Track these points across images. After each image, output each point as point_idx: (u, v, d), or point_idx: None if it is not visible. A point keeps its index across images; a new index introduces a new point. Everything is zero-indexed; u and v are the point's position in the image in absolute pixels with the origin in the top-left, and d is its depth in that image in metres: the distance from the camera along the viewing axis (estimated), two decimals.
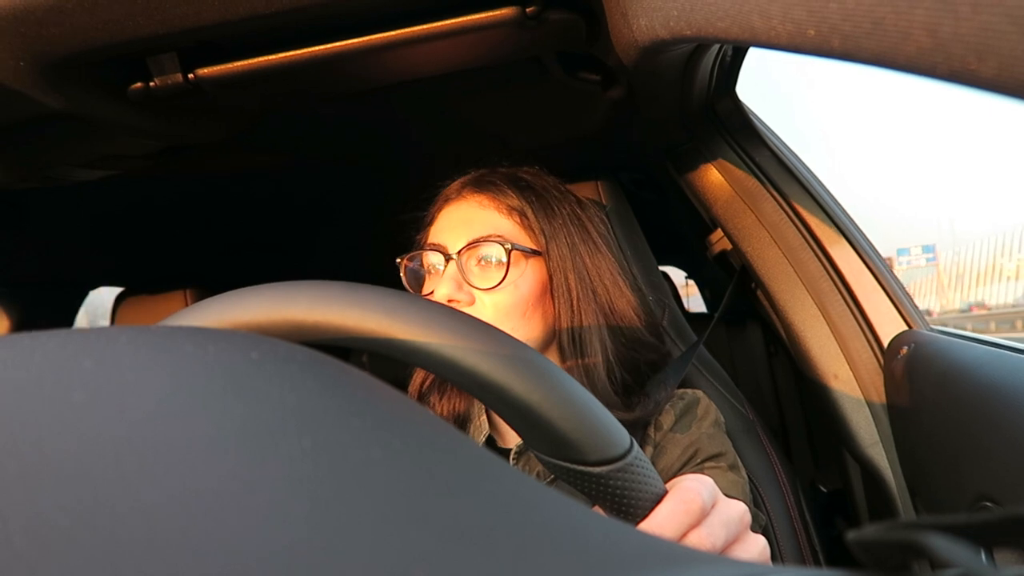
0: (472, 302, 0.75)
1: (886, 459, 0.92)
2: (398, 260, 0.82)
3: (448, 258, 0.77)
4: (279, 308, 0.35)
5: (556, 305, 0.78)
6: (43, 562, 0.13)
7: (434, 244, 0.79)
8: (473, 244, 0.76)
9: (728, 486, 0.69)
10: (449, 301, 0.74)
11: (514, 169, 0.85)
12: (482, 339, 0.34)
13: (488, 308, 0.75)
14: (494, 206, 0.80)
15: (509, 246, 0.76)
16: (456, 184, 0.84)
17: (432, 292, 0.76)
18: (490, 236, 0.77)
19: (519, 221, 0.79)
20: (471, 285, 0.76)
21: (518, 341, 0.36)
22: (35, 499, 0.14)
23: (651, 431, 0.77)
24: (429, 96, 0.97)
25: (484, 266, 0.76)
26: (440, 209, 0.83)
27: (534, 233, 0.79)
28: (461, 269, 0.76)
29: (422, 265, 0.82)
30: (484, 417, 0.82)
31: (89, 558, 0.13)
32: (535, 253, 0.78)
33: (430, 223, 0.84)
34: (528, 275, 0.77)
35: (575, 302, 0.77)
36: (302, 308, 0.35)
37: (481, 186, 0.81)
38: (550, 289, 0.78)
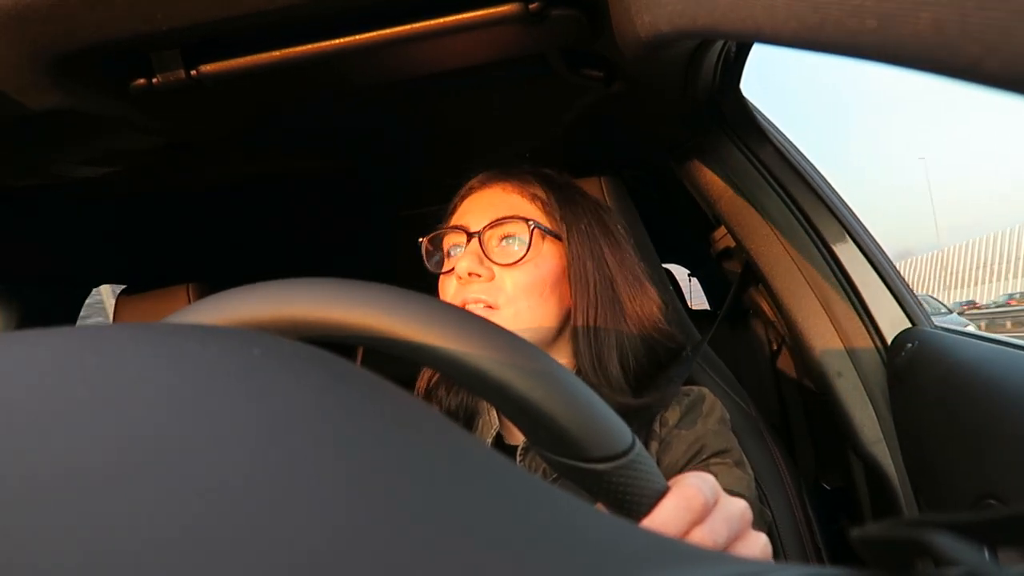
0: (492, 278, 0.76)
1: (890, 457, 0.92)
2: (420, 240, 0.83)
3: (470, 236, 0.78)
4: (282, 305, 0.35)
5: (573, 292, 0.79)
6: (46, 560, 0.13)
7: (455, 226, 0.81)
8: (496, 223, 0.78)
9: (734, 482, 0.69)
10: (469, 275, 0.75)
11: (528, 167, 0.86)
12: (483, 337, 0.34)
13: (507, 284, 0.76)
14: (517, 192, 0.81)
15: (532, 224, 0.77)
16: (480, 176, 0.86)
17: (453, 269, 0.77)
18: (513, 216, 0.78)
19: (541, 207, 0.81)
20: (492, 261, 0.77)
21: (520, 338, 0.36)
22: (38, 497, 0.14)
23: (656, 427, 0.77)
24: (432, 93, 0.96)
25: (506, 244, 0.78)
26: (463, 199, 0.85)
27: (555, 220, 0.80)
28: (482, 246, 0.77)
29: (442, 247, 0.83)
30: (493, 413, 0.82)
31: (92, 556, 0.13)
32: (556, 237, 0.80)
33: (450, 215, 0.85)
34: (548, 257, 0.79)
35: (592, 290, 0.78)
36: (306, 305, 0.35)
37: (505, 175, 0.84)
38: (568, 276, 0.79)
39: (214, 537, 0.14)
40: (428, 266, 0.83)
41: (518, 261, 0.76)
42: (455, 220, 0.82)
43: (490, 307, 0.75)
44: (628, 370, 0.78)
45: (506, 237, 0.78)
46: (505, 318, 0.75)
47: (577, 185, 0.87)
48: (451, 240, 0.82)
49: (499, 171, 0.84)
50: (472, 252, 0.76)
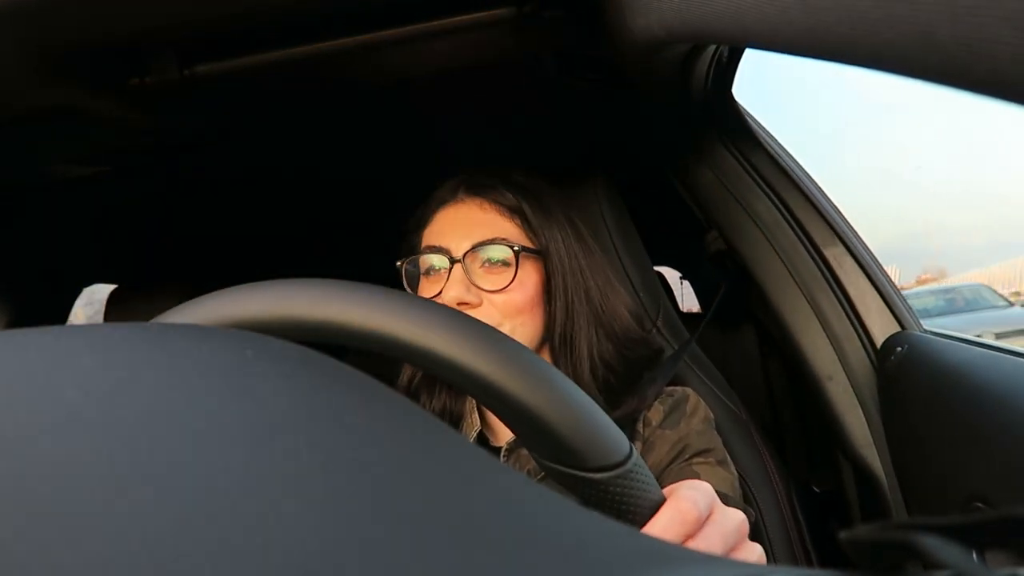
0: (480, 304, 0.75)
1: (879, 460, 0.92)
2: (398, 264, 0.81)
3: (454, 261, 0.76)
4: (278, 306, 0.35)
5: (552, 304, 0.78)
6: (37, 561, 0.13)
7: (436, 246, 0.78)
8: (479, 246, 0.76)
9: (717, 482, 0.70)
10: (459, 304, 0.73)
11: (505, 170, 0.84)
12: (485, 341, 0.34)
13: (496, 309, 0.76)
14: (495, 208, 0.79)
15: (518, 248, 0.76)
16: (449, 185, 0.83)
17: (439, 294, 0.75)
18: (495, 239, 0.77)
19: (519, 223, 0.79)
20: (478, 287, 0.76)
21: (520, 345, 0.36)
22: (28, 498, 0.14)
23: (640, 427, 0.77)
24: (425, 95, 0.96)
25: (490, 268, 0.76)
26: (435, 211, 0.82)
27: (535, 236, 0.79)
28: (467, 272, 0.76)
29: (419, 267, 0.81)
30: (476, 415, 0.82)
31: (84, 557, 0.13)
32: (537, 254, 0.78)
33: (423, 225, 0.83)
34: (531, 274, 0.78)
35: (569, 302, 0.78)
36: (304, 306, 0.35)
37: (478, 188, 0.81)
38: (547, 289, 0.79)
39: (206, 539, 0.14)
40: (407, 287, 0.81)
41: (506, 287, 0.76)
42: (432, 238, 0.80)
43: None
44: (598, 378, 0.77)
45: (490, 260, 0.77)
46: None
47: (546, 185, 0.85)
48: (431, 262, 0.79)
49: (470, 181, 0.82)
50: (458, 280, 0.75)
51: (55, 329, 0.22)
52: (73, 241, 1.34)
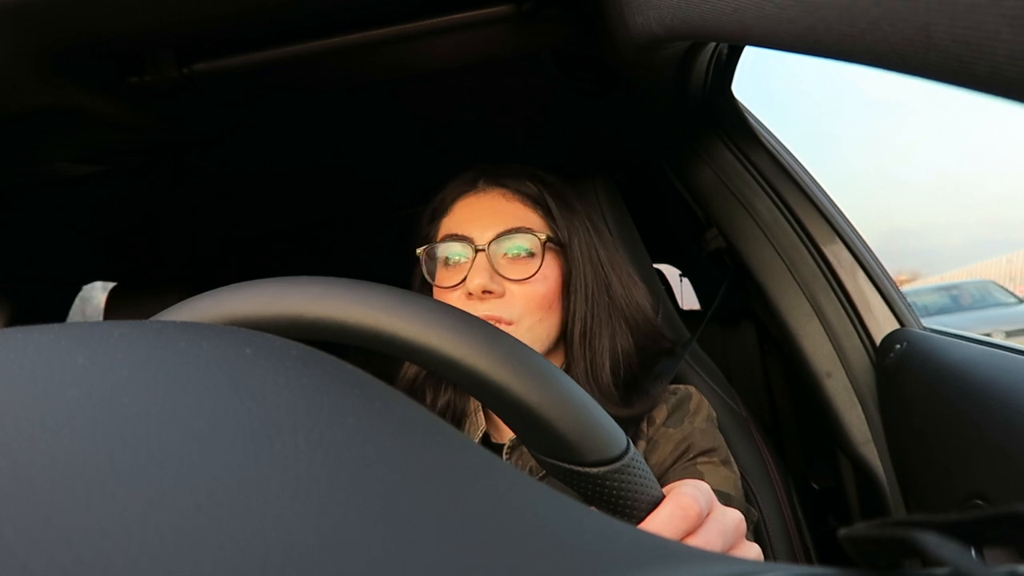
0: (503, 294, 0.75)
1: (878, 457, 0.92)
2: (419, 251, 0.80)
3: (478, 249, 0.75)
4: (275, 304, 0.35)
5: (573, 299, 0.78)
6: (36, 560, 0.13)
7: (458, 235, 0.77)
8: (504, 235, 0.76)
9: (720, 481, 0.70)
10: (484, 292, 0.73)
11: (519, 166, 0.84)
12: (481, 338, 0.34)
13: (519, 299, 0.75)
14: (518, 198, 0.79)
15: (544, 237, 0.76)
16: (467, 176, 0.82)
17: (461, 283, 0.75)
18: (521, 227, 0.76)
19: (543, 215, 0.79)
20: (503, 276, 0.75)
21: (517, 340, 0.36)
22: (28, 496, 0.14)
23: (644, 426, 0.76)
24: (423, 93, 0.96)
25: (514, 258, 0.76)
26: (455, 200, 0.81)
27: (558, 228, 0.79)
28: (491, 260, 0.75)
29: (436, 256, 0.79)
30: (480, 414, 0.82)
31: (83, 556, 0.13)
32: (560, 246, 0.78)
33: (441, 215, 0.82)
34: (553, 267, 0.78)
35: (590, 297, 0.78)
36: (300, 304, 0.35)
37: (500, 178, 0.81)
38: (567, 283, 0.79)
39: (205, 538, 0.14)
40: (428, 277, 0.79)
41: (530, 277, 0.75)
42: (454, 227, 0.79)
43: (508, 323, 0.74)
44: (619, 376, 0.77)
45: (514, 250, 0.76)
46: (520, 332, 0.74)
47: (566, 184, 0.85)
48: (451, 249, 0.78)
49: (494, 174, 0.81)
50: (483, 268, 0.74)
51: (55, 327, 0.22)
52: (73, 241, 1.34)
